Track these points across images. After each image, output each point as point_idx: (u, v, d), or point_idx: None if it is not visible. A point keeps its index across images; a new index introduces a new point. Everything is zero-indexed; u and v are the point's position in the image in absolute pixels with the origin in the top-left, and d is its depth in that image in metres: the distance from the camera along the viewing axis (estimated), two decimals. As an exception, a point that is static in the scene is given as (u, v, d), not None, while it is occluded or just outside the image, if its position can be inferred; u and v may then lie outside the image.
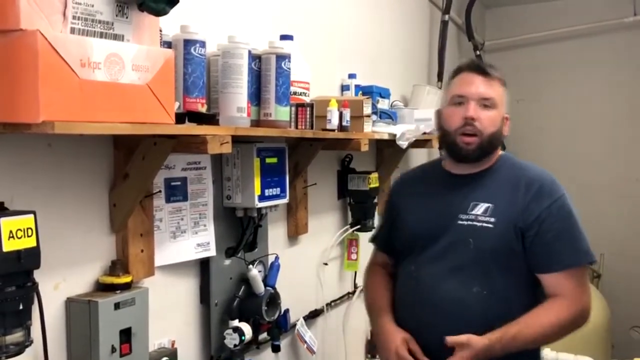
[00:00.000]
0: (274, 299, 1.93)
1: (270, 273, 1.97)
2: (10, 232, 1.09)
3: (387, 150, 2.86)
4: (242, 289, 1.86)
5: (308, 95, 1.99)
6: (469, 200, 1.68)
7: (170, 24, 1.42)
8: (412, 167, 2.47)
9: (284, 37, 1.92)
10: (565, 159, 4.21)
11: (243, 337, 1.77)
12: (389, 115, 2.65)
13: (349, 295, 2.73)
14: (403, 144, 2.49)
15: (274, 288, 1.94)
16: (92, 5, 1.10)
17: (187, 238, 1.66)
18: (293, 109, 1.82)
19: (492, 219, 1.63)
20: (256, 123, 1.68)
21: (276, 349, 2.05)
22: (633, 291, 4.19)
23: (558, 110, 4.52)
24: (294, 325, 2.23)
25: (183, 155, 1.60)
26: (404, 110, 2.88)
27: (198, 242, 1.70)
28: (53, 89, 0.99)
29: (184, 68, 1.41)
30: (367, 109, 2.25)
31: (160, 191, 1.57)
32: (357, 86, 2.55)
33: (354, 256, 2.63)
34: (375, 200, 2.67)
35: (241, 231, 1.88)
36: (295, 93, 1.89)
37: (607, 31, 4.33)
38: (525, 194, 1.65)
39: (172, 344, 1.65)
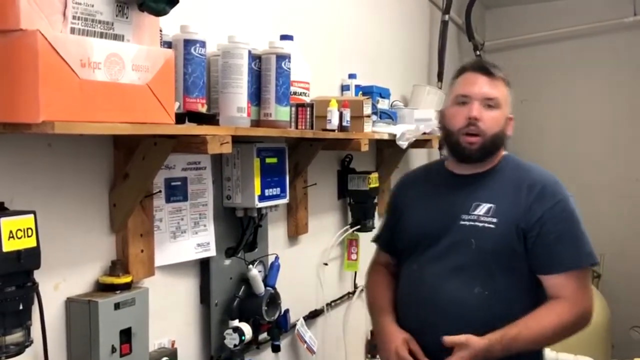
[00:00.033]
0: (274, 299, 1.93)
1: (270, 273, 1.97)
2: (10, 232, 1.09)
3: (387, 151, 2.85)
4: (242, 289, 1.86)
5: (308, 95, 1.99)
6: (471, 201, 1.67)
7: (170, 24, 1.42)
8: (413, 168, 2.48)
9: (284, 37, 1.92)
10: (565, 159, 4.20)
11: (243, 337, 1.77)
12: (389, 116, 2.65)
13: (349, 295, 2.73)
14: (403, 144, 2.49)
15: (274, 288, 1.94)
16: (92, 5, 1.10)
17: (187, 238, 1.66)
18: (293, 109, 1.82)
19: (494, 220, 1.63)
20: (256, 123, 1.68)
21: (276, 349, 2.05)
22: (633, 291, 4.19)
23: (558, 110, 4.52)
24: (294, 325, 2.22)
25: (183, 155, 1.60)
26: (404, 110, 2.88)
27: (198, 242, 1.69)
28: (53, 89, 0.99)
29: (184, 68, 1.41)
30: (367, 109, 2.25)
31: (160, 191, 1.57)
32: (357, 86, 2.54)
33: (354, 256, 2.63)
34: (375, 201, 2.67)
35: (241, 231, 1.88)
36: (295, 93, 1.89)
37: (607, 31, 4.33)
38: (527, 195, 1.64)
39: (172, 344, 1.65)
